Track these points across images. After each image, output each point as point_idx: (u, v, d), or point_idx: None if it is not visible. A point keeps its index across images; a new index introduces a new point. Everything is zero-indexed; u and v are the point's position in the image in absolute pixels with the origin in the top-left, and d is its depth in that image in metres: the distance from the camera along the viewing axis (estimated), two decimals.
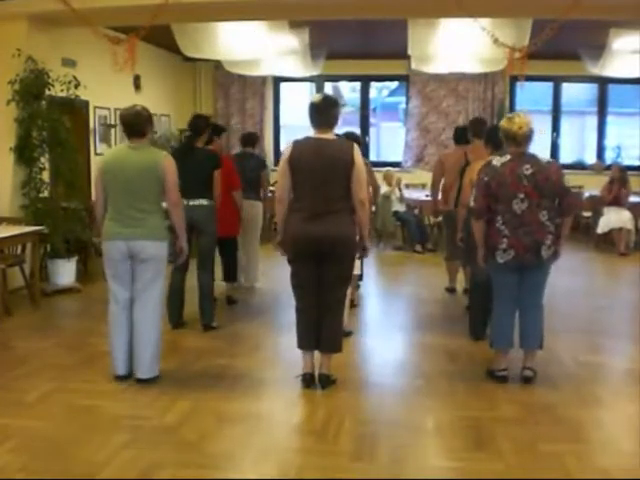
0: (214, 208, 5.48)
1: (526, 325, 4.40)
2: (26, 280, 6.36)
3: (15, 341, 5.30)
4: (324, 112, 4.11)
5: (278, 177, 4.21)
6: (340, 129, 7.56)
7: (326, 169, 4.03)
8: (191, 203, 5.26)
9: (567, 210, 4.26)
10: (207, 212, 5.41)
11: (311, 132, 4.19)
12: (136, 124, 4.25)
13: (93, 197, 4.59)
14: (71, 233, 6.84)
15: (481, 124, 6.11)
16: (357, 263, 5.76)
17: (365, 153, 11.66)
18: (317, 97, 4.20)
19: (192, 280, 5.62)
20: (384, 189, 9.46)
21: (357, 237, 4.23)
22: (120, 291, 4.33)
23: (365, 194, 4.14)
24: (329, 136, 4.13)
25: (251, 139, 7.04)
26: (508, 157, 4.20)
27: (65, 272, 6.84)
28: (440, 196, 6.77)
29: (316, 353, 4.33)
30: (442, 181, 6.74)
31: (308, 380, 4.28)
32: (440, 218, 8.71)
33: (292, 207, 4.17)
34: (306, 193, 4.09)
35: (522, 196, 4.13)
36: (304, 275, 4.21)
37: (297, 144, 4.15)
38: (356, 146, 4.13)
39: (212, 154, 5.60)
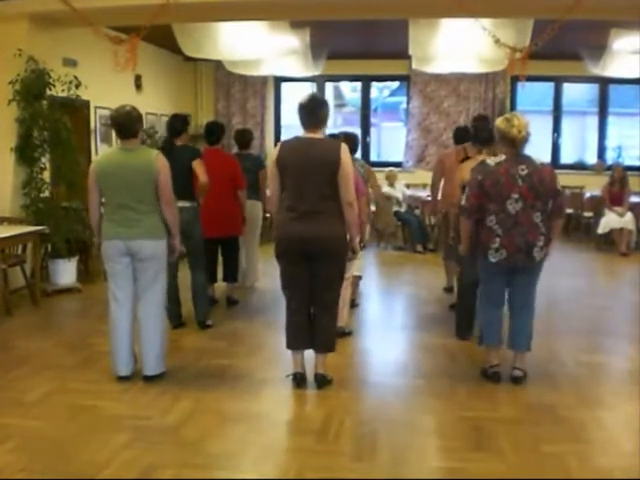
0: (196, 209, 5.44)
1: (516, 327, 4.40)
2: (27, 280, 6.37)
3: (15, 341, 5.30)
4: (312, 112, 4.09)
5: (268, 178, 4.22)
6: (341, 129, 7.53)
7: (313, 168, 4.01)
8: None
9: (556, 212, 4.25)
10: (190, 214, 5.32)
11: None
12: (128, 125, 4.23)
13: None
14: (72, 233, 6.85)
15: (484, 122, 6.09)
16: (358, 264, 5.76)
17: (366, 153, 11.66)
18: (305, 97, 4.16)
19: (188, 280, 5.62)
20: (386, 189, 9.46)
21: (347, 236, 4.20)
22: (119, 290, 4.34)
23: (352, 195, 4.08)
24: (317, 135, 4.12)
25: (245, 140, 6.88)
26: (503, 157, 4.20)
27: (66, 272, 6.85)
28: (439, 196, 6.75)
29: (310, 352, 4.34)
30: (442, 181, 6.73)
31: (299, 379, 4.29)
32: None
33: (282, 207, 4.16)
34: (294, 193, 4.07)
35: (516, 196, 4.12)
36: (293, 275, 4.20)
37: (285, 144, 4.15)
38: (344, 145, 4.09)
39: (191, 148, 5.53)
